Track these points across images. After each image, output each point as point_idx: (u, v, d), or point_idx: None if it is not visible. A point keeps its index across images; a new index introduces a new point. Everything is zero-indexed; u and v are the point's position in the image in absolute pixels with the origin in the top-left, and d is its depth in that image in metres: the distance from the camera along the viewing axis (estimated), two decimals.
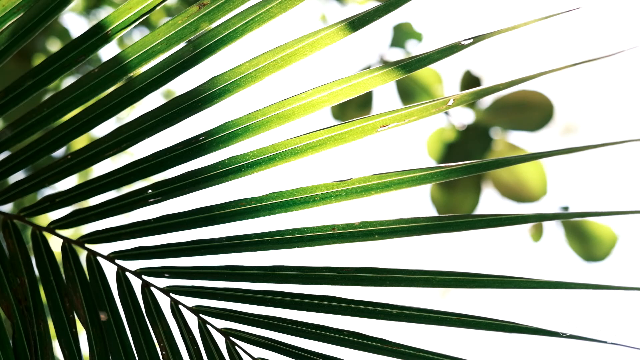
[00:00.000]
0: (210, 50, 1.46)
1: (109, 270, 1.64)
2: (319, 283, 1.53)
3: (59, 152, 1.61)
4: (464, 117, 3.96)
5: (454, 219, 1.40)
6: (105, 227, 1.62)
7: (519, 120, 3.86)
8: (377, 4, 1.38)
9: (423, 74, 3.97)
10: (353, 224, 1.47)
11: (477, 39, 1.31)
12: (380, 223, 1.45)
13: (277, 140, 1.47)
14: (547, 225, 4.12)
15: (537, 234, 4.17)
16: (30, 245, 1.65)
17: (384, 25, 4.14)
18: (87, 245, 1.66)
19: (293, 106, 1.44)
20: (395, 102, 4.03)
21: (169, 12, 4.49)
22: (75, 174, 1.61)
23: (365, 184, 1.44)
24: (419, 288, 1.47)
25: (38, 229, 1.65)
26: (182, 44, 1.46)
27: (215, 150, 1.51)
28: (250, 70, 1.45)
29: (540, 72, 1.29)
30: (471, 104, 3.95)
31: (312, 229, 1.50)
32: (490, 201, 4.04)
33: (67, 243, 1.65)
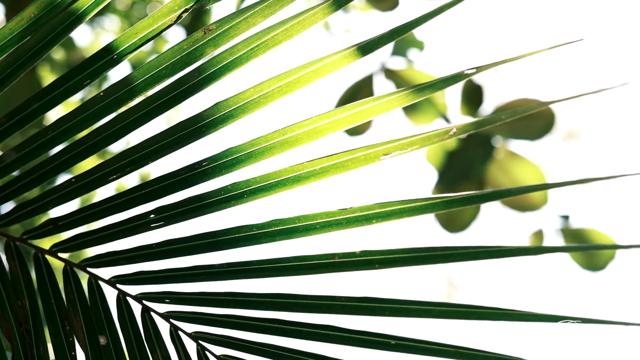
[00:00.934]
0: (215, 75, 1.46)
1: (110, 294, 1.64)
2: (319, 312, 1.52)
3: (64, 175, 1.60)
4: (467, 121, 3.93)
5: (456, 249, 1.40)
6: (107, 250, 1.62)
7: (520, 128, 3.84)
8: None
9: (423, 77, 3.96)
10: (354, 252, 1.46)
11: (480, 69, 1.31)
12: (381, 252, 1.44)
13: (279, 167, 1.46)
14: (547, 233, 4.10)
15: (537, 242, 4.15)
16: (32, 267, 1.65)
17: (387, 28, 4.14)
18: (88, 269, 1.65)
19: (296, 133, 1.44)
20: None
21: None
22: (79, 197, 1.61)
23: (366, 212, 1.43)
24: (419, 319, 1.46)
25: (40, 252, 1.65)
26: (188, 69, 1.47)
27: (218, 176, 1.51)
28: (255, 96, 1.45)
29: (551, 101, 1.29)
30: (473, 112, 3.94)
31: (313, 257, 1.49)
32: (490, 209, 4.01)
33: (68, 266, 1.65)
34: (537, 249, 1.35)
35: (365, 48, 1.39)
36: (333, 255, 1.48)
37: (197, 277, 1.58)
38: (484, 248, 1.39)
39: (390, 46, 4.10)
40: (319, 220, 1.47)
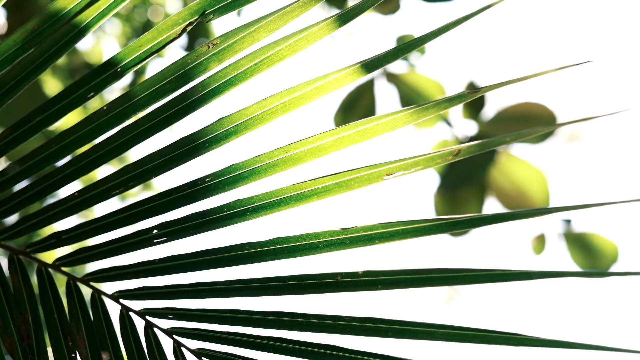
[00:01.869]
0: (218, 90, 1.45)
1: (113, 310, 1.63)
2: (322, 331, 1.50)
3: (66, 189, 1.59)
4: (467, 129, 3.92)
5: (458, 272, 1.38)
6: (110, 265, 1.61)
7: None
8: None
9: (426, 86, 3.94)
10: (356, 272, 1.44)
11: (484, 90, 1.29)
12: (384, 273, 1.42)
13: (282, 184, 1.45)
14: (549, 237, 4.07)
15: (539, 247, 4.12)
16: (35, 281, 1.64)
17: (388, 38, 4.12)
18: (91, 284, 1.64)
19: (300, 150, 1.42)
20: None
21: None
22: (82, 212, 1.59)
23: (369, 232, 1.41)
24: (421, 341, 1.43)
25: (43, 265, 1.64)
26: (191, 84, 1.45)
27: (221, 192, 1.49)
28: (258, 112, 1.43)
29: (565, 122, 1.26)
30: (475, 115, 3.91)
31: (315, 276, 1.47)
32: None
33: (71, 280, 1.63)
34: (540, 274, 1.33)
35: (370, 65, 1.37)
36: (336, 275, 1.46)
37: (200, 294, 1.56)
38: (486, 271, 1.37)
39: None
40: (321, 240, 1.45)
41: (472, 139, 3.85)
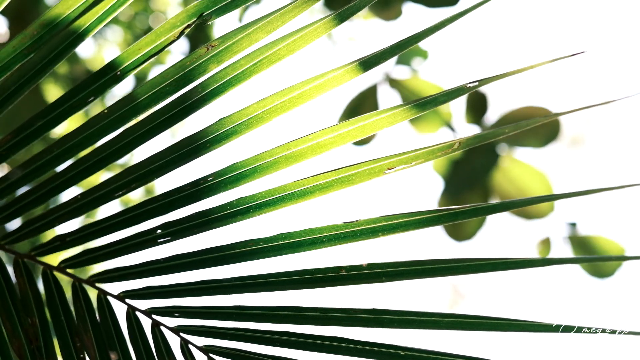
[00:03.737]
0: (218, 91, 1.47)
1: (119, 310, 1.65)
2: (328, 324, 1.52)
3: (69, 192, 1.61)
4: (470, 132, 3.93)
5: (461, 262, 1.40)
6: (115, 266, 1.63)
7: (525, 136, 3.84)
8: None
9: (428, 89, 3.96)
10: (360, 265, 1.47)
11: (482, 82, 1.31)
12: (388, 265, 1.45)
13: (285, 181, 1.47)
14: (554, 240, 4.10)
15: (545, 250, 4.15)
16: (41, 283, 1.66)
17: (389, 42, 4.13)
18: (97, 285, 1.66)
19: (301, 147, 1.44)
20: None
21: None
22: (85, 214, 1.61)
23: (372, 225, 1.44)
24: (427, 330, 1.46)
25: (49, 268, 1.66)
26: (191, 85, 1.47)
27: (224, 191, 1.51)
28: (258, 112, 1.45)
29: (556, 114, 1.29)
30: (477, 120, 3.93)
31: (320, 270, 1.50)
32: (497, 218, 4.02)
33: (77, 282, 1.65)
34: (543, 261, 1.36)
35: (368, 63, 1.39)
36: (340, 269, 1.48)
37: (205, 291, 1.59)
38: (489, 260, 1.39)
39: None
40: (325, 234, 1.47)
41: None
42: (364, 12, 4.76)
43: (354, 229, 1.45)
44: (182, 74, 1.46)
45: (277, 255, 1.52)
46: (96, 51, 5.92)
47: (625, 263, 3.95)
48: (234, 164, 1.49)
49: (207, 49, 1.44)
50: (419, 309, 1.46)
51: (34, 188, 1.60)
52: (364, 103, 3.98)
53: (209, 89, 1.47)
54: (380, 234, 1.44)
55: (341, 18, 1.40)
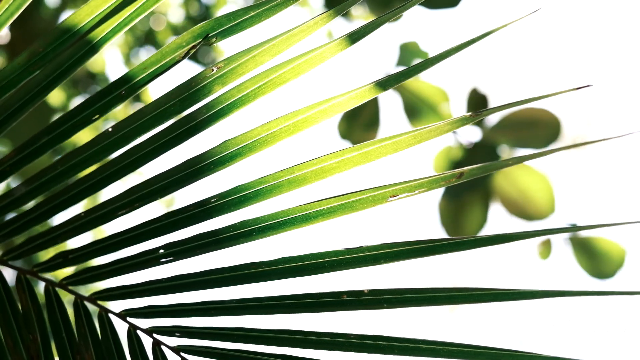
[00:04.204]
0: (222, 113, 1.46)
1: (121, 328, 1.64)
2: (327, 348, 1.52)
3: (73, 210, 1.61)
4: (471, 135, 3.93)
5: (462, 291, 1.40)
6: (117, 284, 1.63)
7: (526, 137, 3.82)
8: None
9: (429, 91, 3.94)
10: (362, 291, 1.46)
11: (486, 112, 1.31)
12: (389, 292, 1.44)
13: (288, 205, 1.46)
14: (555, 242, 4.08)
15: (545, 252, 4.14)
16: (42, 300, 1.66)
17: (390, 44, 4.11)
18: (99, 302, 1.66)
19: (304, 172, 1.44)
20: (403, 121, 3.98)
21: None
22: (88, 232, 1.61)
23: (374, 252, 1.43)
24: (426, 358, 1.46)
25: (51, 285, 1.66)
26: (196, 106, 1.47)
27: (227, 213, 1.51)
28: (262, 135, 1.45)
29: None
30: (478, 121, 3.92)
31: (321, 294, 1.49)
32: (497, 218, 4.00)
33: (79, 299, 1.65)
34: (544, 293, 1.35)
35: (375, 88, 1.39)
36: (341, 294, 1.48)
37: (207, 312, 1.58)
38: (491, 290, 1.39)
39: (394, 57, 4.09)
40: (327, 259, 1.47)
41: (476, 145, 3.87)
42: (365, 14, 4.75)
43: (356, 255, 1.44)
44: (186, 95, 1.46)
45: (279, 278, 1.51)
46: (97, 54, 5.92)
47: (627, 264, 3.94)
48: (237, 186, 1.49)
49: (212, 70, 1.44)
50: (419, 336, 1.45)
51: (37, 204, 1.60)
52: (364, 105, 3.96)
53: (213, 110, 1.46)
54: (382, 261, 1.43)
55: (347, 43, 1.40)
